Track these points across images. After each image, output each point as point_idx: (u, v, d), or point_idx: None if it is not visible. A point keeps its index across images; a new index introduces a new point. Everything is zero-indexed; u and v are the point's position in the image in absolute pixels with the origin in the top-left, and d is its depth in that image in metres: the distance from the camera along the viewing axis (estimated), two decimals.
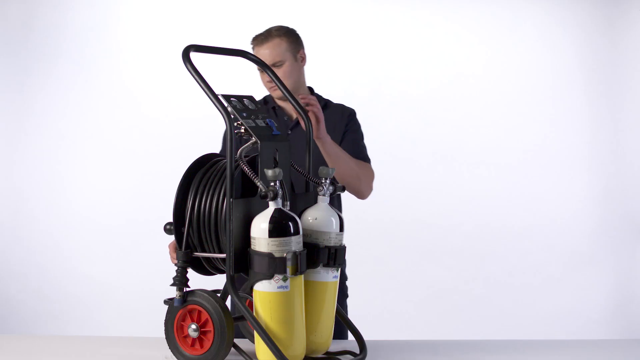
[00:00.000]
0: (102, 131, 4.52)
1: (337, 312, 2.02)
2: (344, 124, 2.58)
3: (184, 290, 1.91)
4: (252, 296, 1.85)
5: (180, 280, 1.91)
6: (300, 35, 2.57)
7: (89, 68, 4.54)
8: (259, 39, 2.50)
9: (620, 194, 4.62)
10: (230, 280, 1.83)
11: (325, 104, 2.62)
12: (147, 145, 4.35)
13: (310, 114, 2.23)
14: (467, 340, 2.27)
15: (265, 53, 2.47)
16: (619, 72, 4.65)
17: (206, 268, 2.01)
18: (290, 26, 2.55)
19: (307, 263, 1.86)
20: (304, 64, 2.56)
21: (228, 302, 1.94)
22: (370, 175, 2.53)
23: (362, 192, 2.50)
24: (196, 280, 2.03)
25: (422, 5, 4.60)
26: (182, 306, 1.90)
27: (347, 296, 2.62)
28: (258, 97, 2.55)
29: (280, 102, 2.59)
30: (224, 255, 1.86)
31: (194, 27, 4.43)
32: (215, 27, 4.41)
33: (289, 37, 2.51)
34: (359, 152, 2.54)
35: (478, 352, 2.10)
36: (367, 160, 2.56)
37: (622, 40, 4.66)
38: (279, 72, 2.46)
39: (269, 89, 2.51)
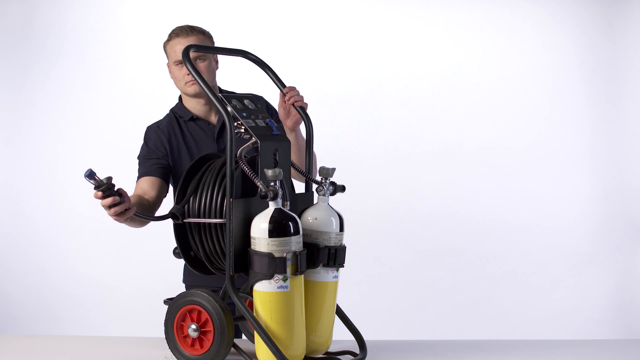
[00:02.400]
0: (102, 131, 4.52)
1: (337, 311, 2.02)
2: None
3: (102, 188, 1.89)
4: (252, 296, 1.85)
5: (109, 186, 1.89)
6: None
7: (89, 68, 4.54)
8: (183, 30, 2.42)
9: (621, 194, 4.62)
10: (230, 280, 1.83)
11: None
12: None
13: (299, 104, 2.18)
14: (467, 340, 2.27)
15: (191, 43, 2.36)
16: (619, 72, 4.65)
17: (206, 268, 2.01)
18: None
19: (307, 263, 1.86)
20: (217, 68, 2.50)
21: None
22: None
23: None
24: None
25: (423, 5, 4.60)
26: (87, 175, 1.87)
27: None
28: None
29: (192, 103, 2.48)
30: (217, 220, 1.86)
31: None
32: (215, 27, 4.41)
33: (210, 38, 2.48)
34: None
35: (478, 352, 2.10)
36: None
37: (622, 40, 4.65)
38: (201, 66, 2.40)
39: (185, 84, 2.42)
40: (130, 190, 2.16)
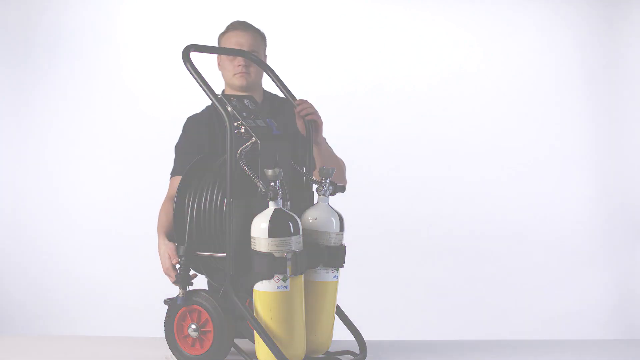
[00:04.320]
0: (101, 130, 4.51)
1: (337, 311, 2.02)
2: None
3: (187, 289, 1.91)
4: (252, 296, 1.85)
5: (184, 278, 1.90)
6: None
7: (89, 67, 4.54)
8: (241, 25, 2.47)
9: (621, 194, 4.61)
10: (230, 280, 1.83)
11: (282, 100, 2.55)
12: (147, 144, 4.34)
13: (309, 118, 2.18)
14: (467, 340, 2.27)
15: (248, 38, 2.43)
16: (619, 72, 4.65)
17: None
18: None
19: (307, 263, 1.86)
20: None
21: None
22: (345, 167, 2.50)
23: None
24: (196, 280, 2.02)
25: (423, 5, 4.59)
26: (184, 304, 1.90)
27: None
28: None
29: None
30: (220, 255, 1.86)
31: (194, 27, 4.43)
32: (215, 27, 4.40)
33: (264, 38, 2.52)
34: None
35: (478, 352, 2.10)
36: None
37: (622, 40, 4.65)
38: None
39: (234, 75, 2.42)
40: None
